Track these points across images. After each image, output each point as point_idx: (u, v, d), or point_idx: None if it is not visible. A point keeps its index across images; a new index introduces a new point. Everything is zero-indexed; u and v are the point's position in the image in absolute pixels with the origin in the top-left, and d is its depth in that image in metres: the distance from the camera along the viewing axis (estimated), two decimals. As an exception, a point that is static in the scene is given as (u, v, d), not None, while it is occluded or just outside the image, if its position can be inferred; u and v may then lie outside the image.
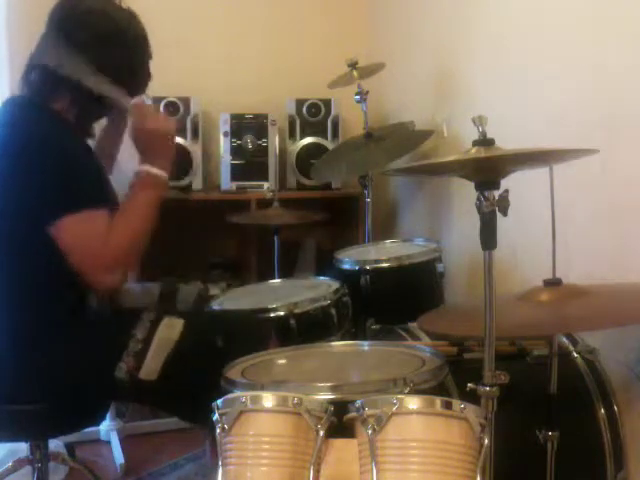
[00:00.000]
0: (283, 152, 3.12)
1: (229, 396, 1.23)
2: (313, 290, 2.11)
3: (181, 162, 2.94)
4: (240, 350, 1.64)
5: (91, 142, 1.85)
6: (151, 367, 1.62)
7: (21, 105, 1.70)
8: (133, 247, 1.62)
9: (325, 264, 2.59)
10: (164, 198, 1.70)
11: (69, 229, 1.55)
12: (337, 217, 3.05)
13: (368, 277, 2.21)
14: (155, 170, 1.68)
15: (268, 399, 1.19)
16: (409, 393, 1.29)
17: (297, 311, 1.94)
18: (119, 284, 1.62)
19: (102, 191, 1.67)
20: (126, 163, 1.98)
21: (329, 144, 3.08)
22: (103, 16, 1.70)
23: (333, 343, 1.73)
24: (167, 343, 1.65)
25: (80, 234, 1.56)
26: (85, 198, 1.57)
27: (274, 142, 3.01)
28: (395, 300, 2.25)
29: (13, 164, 1.61)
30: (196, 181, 2.99)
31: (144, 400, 1.85)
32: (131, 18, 1.74)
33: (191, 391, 1.61)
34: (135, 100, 1.74)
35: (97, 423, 2.29)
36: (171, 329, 1.67)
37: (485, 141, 1.28)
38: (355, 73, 2.66)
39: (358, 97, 2.67)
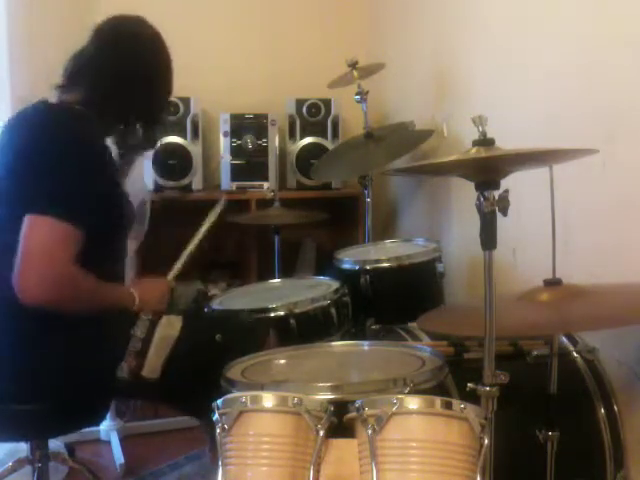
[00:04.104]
0: (283, 152, 3.12)
1: (229, 396, 1.23)
2: (313, 290, 2.11)
3: (181, 162, 2.95)
4: (239, 345, 1.66)
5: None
6: (153, 365, 1.63)
7: (57, 109, 1.71)
8: (75, 295, 1.57)
9: (325, 264, 2.59)
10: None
11: (40, 230, 1.52)
12: (337, 217, 3.05)
13: (368, 277, 2.21)
14: (132, 304, 1.68)
15: (268, 399, 1.19)
16: (409, 393, 1.29)
17: (297, 311, 1.94)
18: (40, 302, 1.53)
19: (104, 209, 1.63)
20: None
21: (329, 144, 3.08)
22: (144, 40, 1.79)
23: (333, 343, 1.73)
24: (167, 341, 1.66)
25: (48, 239, 1.52)
26: (73, 209, 1.54)
27: (274, 142, 3.01)
28: (395, 300, 2.25)
29: (32, 149, 1.62)
30: (196, 181, 2.99)
31: (146, 397, 1.86)
32: (161, 42, 1.82)
33: (193, 387, 1.62)
34: None
35: (97, 423, 2.29)
36: (170, 327, 1.68)
37: (485, 141, 1.28)
38: (355, 73, 2.66)
39: (358, 97, 2.67)
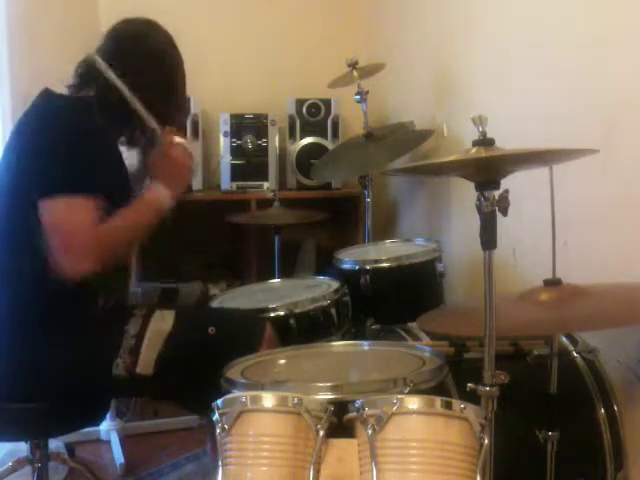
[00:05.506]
0: (283, 152, 3.12)
1: (229, 396, 1.23)
2: (313, 290, 2.11)
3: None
4: (233, 338, 1.67)
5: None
6: (146, 360, 1.63)
7: (59, 95, 1.73)
8: (113, 247, 1.62)
9: (325, 264, 2.59)
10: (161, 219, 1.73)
11: (57, 209, 1.55)
12: (337, 217, 3.05)
13: (368, 277, 2.21)
14: (164, 194, 1.71)
15: (268, 399, 1.19)
16: (409, 393, 1.29)
17: (297, 311, 1.94)
18: (83, 273, 1.56)
19: (111, 183, 1.66)
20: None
21: (329, 144, 3.08)
22: (156, 43, 1.81)
23: (333, 343, 1.73)
24: (159, 335, 1.66)
25: (67, 217, 1.56)
26: (84, 185, 1.57)
27: (274, 142, 3.01)
28: (395, 300, 2.25)
29: (34, 136, 1.64)
30: (196, 181, 2.99)
31: (145, 394, 1.86)
32: (173, 47, 1.83)
33: (188, 381, 1.62)
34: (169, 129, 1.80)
35: (98, 423, 2.29)
36: (162, 321, 1.68)
37: (485, 141, 1.28)
38: (355, 73, 2.66)
39: (358, 97, 2.67)
